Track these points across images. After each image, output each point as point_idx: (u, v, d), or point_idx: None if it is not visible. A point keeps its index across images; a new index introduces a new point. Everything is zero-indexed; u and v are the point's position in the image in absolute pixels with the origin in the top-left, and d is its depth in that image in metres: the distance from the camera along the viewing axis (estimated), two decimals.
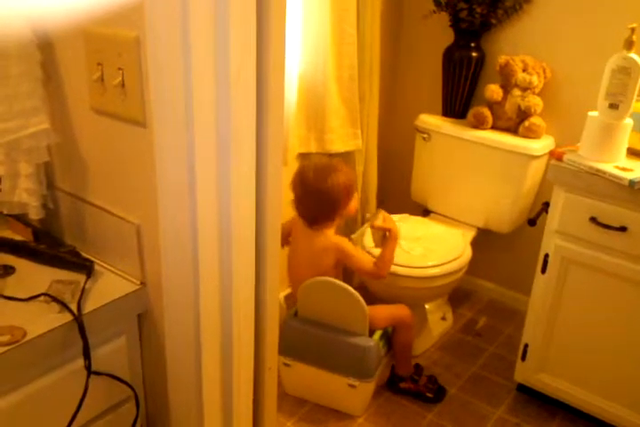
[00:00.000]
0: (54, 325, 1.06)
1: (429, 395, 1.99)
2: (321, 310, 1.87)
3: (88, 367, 1.09)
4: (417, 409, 1.97)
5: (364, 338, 1.84)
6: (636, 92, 1.56)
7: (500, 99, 2.12)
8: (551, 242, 1.73)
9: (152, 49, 0.88)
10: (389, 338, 1.97)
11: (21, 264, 1.24)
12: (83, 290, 1.14)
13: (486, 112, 2.15)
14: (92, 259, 1.25)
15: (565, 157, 1.66)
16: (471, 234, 2.28)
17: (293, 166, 2.04)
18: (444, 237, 2.19)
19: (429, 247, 2.09)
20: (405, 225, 2.20)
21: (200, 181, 0.93)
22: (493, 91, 2.11)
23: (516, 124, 2.14)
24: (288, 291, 2.10)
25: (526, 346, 1.89)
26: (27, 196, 1.22)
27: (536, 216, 1.84)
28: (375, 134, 2.29)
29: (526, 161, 2.08)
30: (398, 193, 2.54)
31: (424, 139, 2.30)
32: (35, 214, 1.25)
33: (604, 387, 1.78)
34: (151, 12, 0.86)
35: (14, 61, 1.08)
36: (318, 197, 1.77)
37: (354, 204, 1.85)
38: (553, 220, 1.72)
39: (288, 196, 1.81)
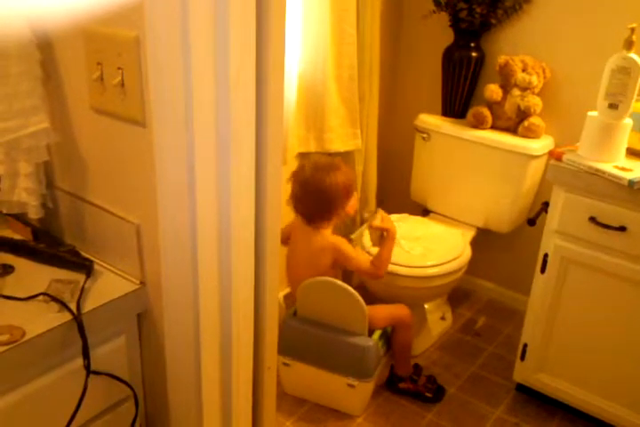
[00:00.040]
0: (53, 324, 1.06)
1: (428, 395, 1.99)
2: (320, 309, 1.87)
3: (87, 367, 1.09)
4: (416, 409, 1.97)
5: (363, 338, 1.84)
6: (636, 92, 1.56)
7: (499, 99, 2.12)
8: (550, 242, 1.74)
9: (152, 49, 0.89)
10: (388, 338, 1.97)
11: (21, 263, 1.24)
12: (82, 289, 1.14)
13: (486, 112, 2.15)
14: (92, 258, 1.25)
15: (565, 157, 1.66)
16: (471, 234, 2.29)
17: (293, 166, 2.04)
18: (443, 236, 2.20)
19: (429, 247, 2.09)
20: (405, 225, 2.20)
21: (200, 180, 0.93)
22: (493, 91, 2.11)
23: (515, 123, 2.14)
24: (287, 290, 2.10)
25: (525, 346, 1.89)
26: (26, 195, 1.22)
27: (535, 216, 1.84)
28: (375, 134, 2.29)
29: (526, 161, 2.08)
30: (398, 193, 2.54)
31: (424, 139, 2.30)
32: (34, 214, 1.25)
33: (603, 387, 1.78)
34: (151, 11, 0.86)
35: (14, 61, 1.08)
36: (317, 196, 1.77)
37: (352, 204, 1.85)
38: (552, 220, 1.72)
39: (288, 195, 1.81)
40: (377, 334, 1.89)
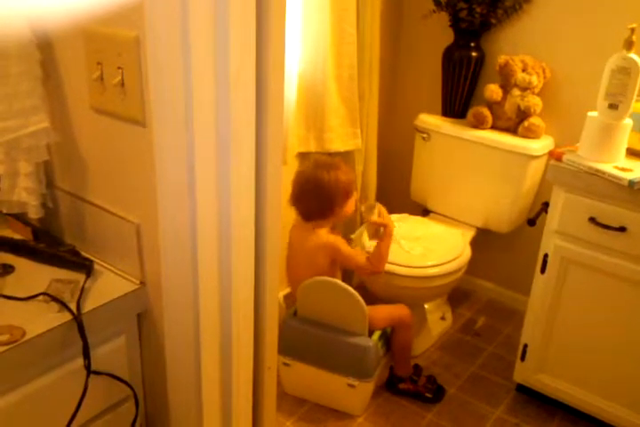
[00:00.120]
0: (53, 324, 1.06)
1: (428, 395, 1.99)
2: (320, 309, 1.87)
3: (87, 367, 1.09)
4: (416, 409, 1.97)
5: (363, 338, 1.84)
6: (636, 93, 1.56)
7: (499, 99, 2.12)
8: (550, 242, 1.74)
9: (152, 49, 0.89)
10: (388, 339, 1.97)
11: (21, 263, 1.24)
12: (82, 289, 1.14)
13: (486, 112, 2.15)
14: (92, 258, 1.25)
15: (565, 158, 1.66)
16: (470, 234, 2.29)
17: (293, 166, 2.04)
18: (443, 236, 2.20)
19: (429, 247, 2.09)
20: (405, 225, 2.20)
21: (200, 180, 0.93)
22: (493, 91, 2.11)
23: (515, 124, 2.14)
24: (287, 290, 2.10)
25: (525, 346, 1.89)
26: (26, 195, 1.22)
27: (535, 216, 1.84)
28: (375, 134, 2.29)
29: (526, 161, 2.08)
30: (398, 193, 2.54)
31: (423, 138, 2.30)
32: (34, 213, 1.25)
33: (603, 387, 1.78)
34: (151, 11, 0.86)
35: (14, 61, 1.08)
36: (316, 192, 1.77)
37: (351, 204, 1.85)
38: (552, 220, 1.72)
39: (288, 195, 1.81)
40: (376, 334, 1.89)
